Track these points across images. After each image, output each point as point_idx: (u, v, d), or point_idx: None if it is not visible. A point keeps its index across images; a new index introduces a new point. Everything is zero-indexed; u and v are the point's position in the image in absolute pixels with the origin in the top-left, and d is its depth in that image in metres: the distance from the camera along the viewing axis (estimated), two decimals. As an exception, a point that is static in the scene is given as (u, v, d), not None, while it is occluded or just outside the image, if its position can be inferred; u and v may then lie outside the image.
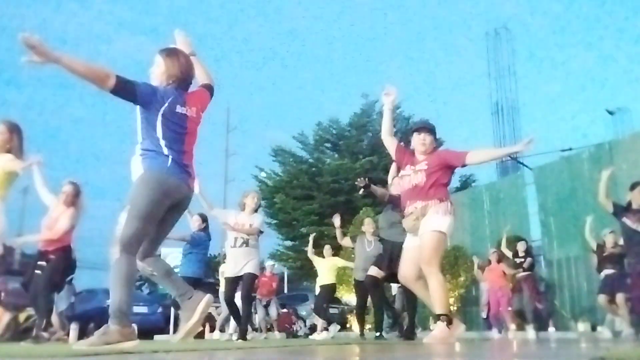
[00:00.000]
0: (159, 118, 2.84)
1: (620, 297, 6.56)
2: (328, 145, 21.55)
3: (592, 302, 8.25)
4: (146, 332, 8.80)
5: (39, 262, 5.39)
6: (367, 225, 6.93)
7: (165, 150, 2.84)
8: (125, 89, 2.75)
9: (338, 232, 7.46)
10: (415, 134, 4.08)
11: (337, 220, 7.42)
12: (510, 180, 12.72)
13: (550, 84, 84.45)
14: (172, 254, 11.03)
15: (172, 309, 10.61)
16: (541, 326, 9.07)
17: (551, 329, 8.64)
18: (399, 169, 4.62)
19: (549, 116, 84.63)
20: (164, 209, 2.84)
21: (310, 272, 19.34)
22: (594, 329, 8.12)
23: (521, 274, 8.23)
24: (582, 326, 8.48)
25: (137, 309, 11.45)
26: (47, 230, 5.39)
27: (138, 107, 2.86)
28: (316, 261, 8.67)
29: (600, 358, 1.87)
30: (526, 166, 15.13)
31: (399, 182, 4.17)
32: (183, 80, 2.97)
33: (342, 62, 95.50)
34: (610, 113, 24.66)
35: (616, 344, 3.92)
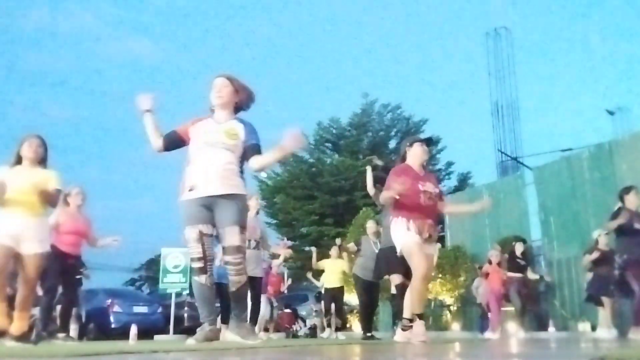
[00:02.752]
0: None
1: (607, 299, 6.69)
2: (328, 145, 21.55)
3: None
4: (146, 332, 8.79)
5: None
6: (370, 228, 7.01)
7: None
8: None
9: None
10: (418, 145, 4.31)
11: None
12: (510, 180, 12.72)
13: (550, 84, 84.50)
14: (172, 254, 11.02)
15: (172, 309, 10.62)
16: (541, 326, 9.07)
17: (551, 329, 8.63)
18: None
19: (549, 116, 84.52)
20: None
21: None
22: (594, 329, 8.12)
23: (516, 275, 8.30)
24: (582, 326, 8.47)
25: (137, 309, 11.46)
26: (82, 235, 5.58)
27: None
28: (322, 264, 8.73)
29: (600, 358, 1.87)
30: (526, 166, 15.14)
31: (421, 194, 4.18)
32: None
33: (342, 62, 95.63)
34: (610, 113, 24.62)
35: (616, 344, 3.92)
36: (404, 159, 4.34)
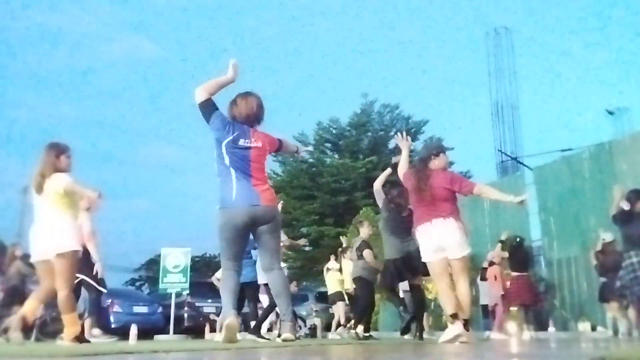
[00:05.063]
0: (223, 148, 3.57)
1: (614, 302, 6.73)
2: (328, 145, 21.54)
3: (592, 302, 8.24)
4: (146, 332, 8.79)
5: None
6: (366, 231, 6.98)
7: (233, 178, 3.53)
8: (206, 109, 3.60)
9: None
10: (443, 155, 4.47)
11: None
12: (510, 180, 12.71)
13: (550, 84, 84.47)
14: (172, 254, 11.01)
15: (172, 309, 10.62)
16: (541, 326, 9.05)
17: (551, 329, 8.62)
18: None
19: (549, 116, 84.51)
20: (238, 232, 3.55)
21: (310, 272, 19.33)
22: (594, 329, 8.11)
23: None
24: (582, 326, 8.46)
25: (137, 309, 11.46)
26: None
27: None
28: (344, 265, 8.84)
29: (600, 358, 1.87)
30: (526, 166, 15.14)
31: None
32: (247, 118, 3.69)
33: (342, 62, 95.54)
34: (610, 113, 24.66)
35: (616, 344, 3.92)
36: (425, 163, 4.40)
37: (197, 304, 11.91)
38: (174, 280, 10.87)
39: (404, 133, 4.98)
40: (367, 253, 6.62)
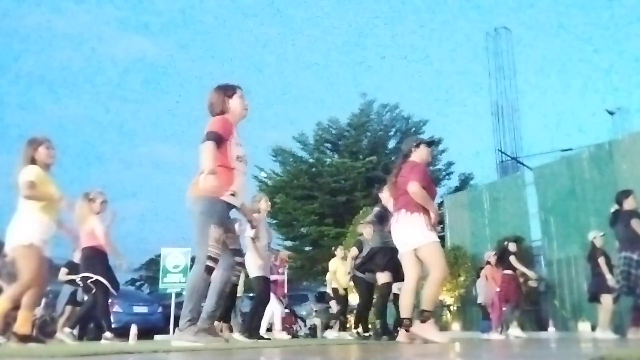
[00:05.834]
0: None
1: (606, 298, 6.78)
2: (328, 145, 21.54)
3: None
4: (146, 332, 8.80)
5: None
6: (367, 232, 7.02)
7: None
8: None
9: None
10: (425, 147, 4.38)
11: None
12: (510, 180, 12.72)
13: (550, 84, 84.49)
14: (172, 254, 11.02)
15: (172, 309, 10.62)
16: (541, 326, 9.06)
17: (551, 329, 8.63)
18: None
19: (549, 116, 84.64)
20: None
21: (310, 272, 19.32)
22: (594, 329, 8.12)
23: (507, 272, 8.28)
24: (582, 326, 8.47)
25: (137, 309, 11.46)
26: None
27: None
28: (337, 264, 8.95)
29: (600, 358, 1.87)
30: (526, 166, 15.15)
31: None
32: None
33: (342, 62, 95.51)
34: (610, 113, 24.69)
35: (616, 344, 3.92)
36: (406, 157, 4.34)
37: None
38: (174, 280, 10.88)
39: None
40: (352, 249, 6.79)
